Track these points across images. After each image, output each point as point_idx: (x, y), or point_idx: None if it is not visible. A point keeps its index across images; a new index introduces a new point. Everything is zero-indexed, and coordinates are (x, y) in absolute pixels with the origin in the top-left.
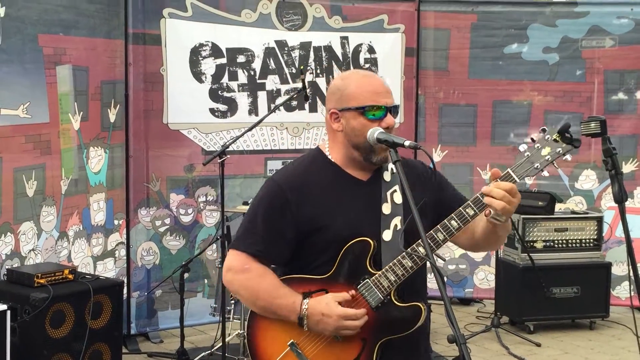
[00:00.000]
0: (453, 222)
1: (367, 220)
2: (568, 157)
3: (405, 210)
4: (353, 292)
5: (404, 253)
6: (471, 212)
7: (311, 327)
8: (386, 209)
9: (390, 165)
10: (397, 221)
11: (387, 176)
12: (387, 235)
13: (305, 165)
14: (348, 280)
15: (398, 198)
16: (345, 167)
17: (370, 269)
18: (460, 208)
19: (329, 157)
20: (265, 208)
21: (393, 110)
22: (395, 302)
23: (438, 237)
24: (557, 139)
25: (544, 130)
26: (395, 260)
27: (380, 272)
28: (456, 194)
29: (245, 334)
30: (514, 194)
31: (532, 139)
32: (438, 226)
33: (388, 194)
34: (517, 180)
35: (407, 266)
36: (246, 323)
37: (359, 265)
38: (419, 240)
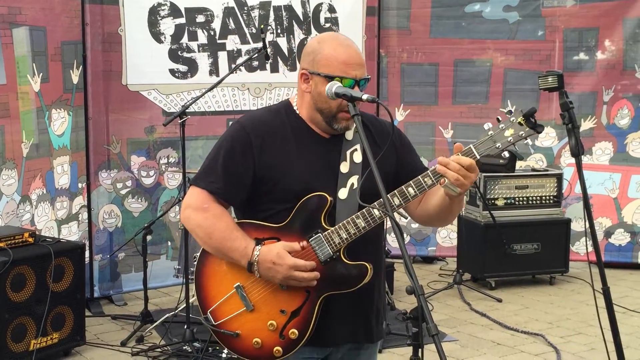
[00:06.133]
0: (410, 189)
1: (323, 177)
2: (529, 140)
3: (363, 170)
4: (304, 243)
5: (358, 213)
6: (429, 182)
7: (261, 274)
8: (344, 167)
9: (354, 125)
10: (354, 180)
11: (349, 135)
12: (342, 193)
13: (273, 114)
14: (301, 232)
15: (358, 157)
16: (310, 123)
17: (324, 224)
18: (419, 177)
19: (297, 111)
20: (228, 149)
21: (363, 82)
22: (344, 259)
23: (394, 201)
24: (522, 122)
25: (510, 112)
26: (349, 219)
27: (332, 229)
28: (417, 162)
29: (194, 270)
30: (472, 170)
31: (497, 119)
32: (395, 191)
33: (348, 153)
34: (478, 156)
35: (360, 226)
36: (196, 260)
37: (313, 219)
38: (375, 203)
